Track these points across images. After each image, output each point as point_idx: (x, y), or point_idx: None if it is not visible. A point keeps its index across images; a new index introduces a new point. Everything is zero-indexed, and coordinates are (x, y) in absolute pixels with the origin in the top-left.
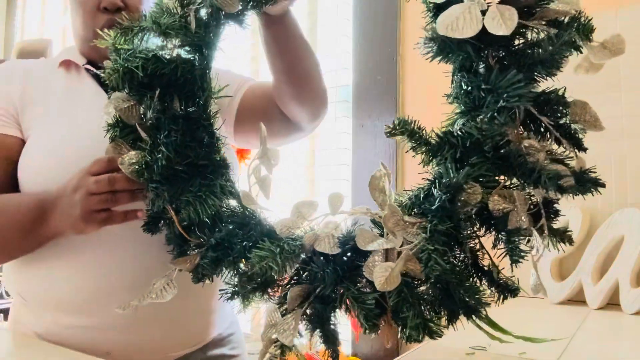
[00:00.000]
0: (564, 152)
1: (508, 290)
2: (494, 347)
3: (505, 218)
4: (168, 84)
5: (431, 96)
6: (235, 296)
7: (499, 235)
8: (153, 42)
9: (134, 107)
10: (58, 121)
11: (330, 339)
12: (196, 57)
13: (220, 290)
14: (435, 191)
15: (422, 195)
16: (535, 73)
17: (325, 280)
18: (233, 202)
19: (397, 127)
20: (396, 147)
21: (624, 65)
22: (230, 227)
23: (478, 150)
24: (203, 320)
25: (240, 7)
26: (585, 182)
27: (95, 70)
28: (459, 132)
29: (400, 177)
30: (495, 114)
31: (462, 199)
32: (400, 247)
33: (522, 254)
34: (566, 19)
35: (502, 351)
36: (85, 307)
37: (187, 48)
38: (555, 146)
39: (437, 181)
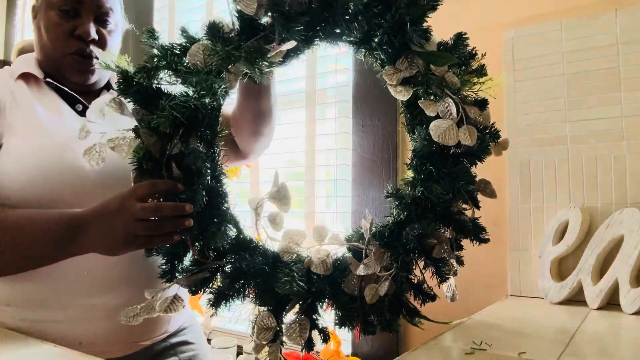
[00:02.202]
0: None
1: (428, 297)
2: (494, 347)
3: (432, 248)
4: (190, 124)
5: None
6: (222, 300)
7: (428, 261)
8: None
9: (157, 142)
10: (27, 131)
11: (324, 337)
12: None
13: (206, 298)
14: (405, 234)
15: (386, 232)
16: (465, 161)
17: (326, 295)
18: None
19: (393, 193)
20: (396, 147)
21: (624, 65)
22: (232, 250)
23: (433, 209)
24: None
25: None
26: (475, 227)
27: (56, 84)
28: (421, 196)
29: (400, 177)
30: (456, 193)
31: (425, 242)
32: (379, 272)
33: (446, 275)
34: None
35: (502, 351)
36: (56, 302)
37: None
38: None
39: (405, 227)
